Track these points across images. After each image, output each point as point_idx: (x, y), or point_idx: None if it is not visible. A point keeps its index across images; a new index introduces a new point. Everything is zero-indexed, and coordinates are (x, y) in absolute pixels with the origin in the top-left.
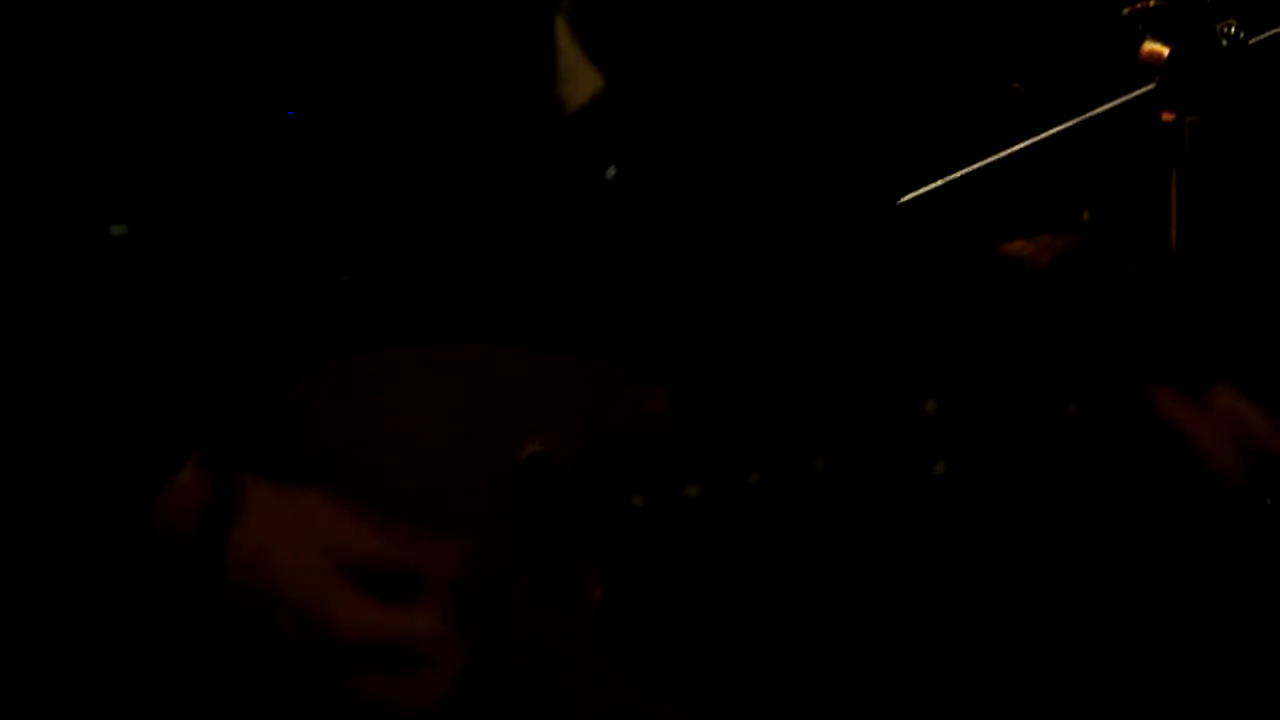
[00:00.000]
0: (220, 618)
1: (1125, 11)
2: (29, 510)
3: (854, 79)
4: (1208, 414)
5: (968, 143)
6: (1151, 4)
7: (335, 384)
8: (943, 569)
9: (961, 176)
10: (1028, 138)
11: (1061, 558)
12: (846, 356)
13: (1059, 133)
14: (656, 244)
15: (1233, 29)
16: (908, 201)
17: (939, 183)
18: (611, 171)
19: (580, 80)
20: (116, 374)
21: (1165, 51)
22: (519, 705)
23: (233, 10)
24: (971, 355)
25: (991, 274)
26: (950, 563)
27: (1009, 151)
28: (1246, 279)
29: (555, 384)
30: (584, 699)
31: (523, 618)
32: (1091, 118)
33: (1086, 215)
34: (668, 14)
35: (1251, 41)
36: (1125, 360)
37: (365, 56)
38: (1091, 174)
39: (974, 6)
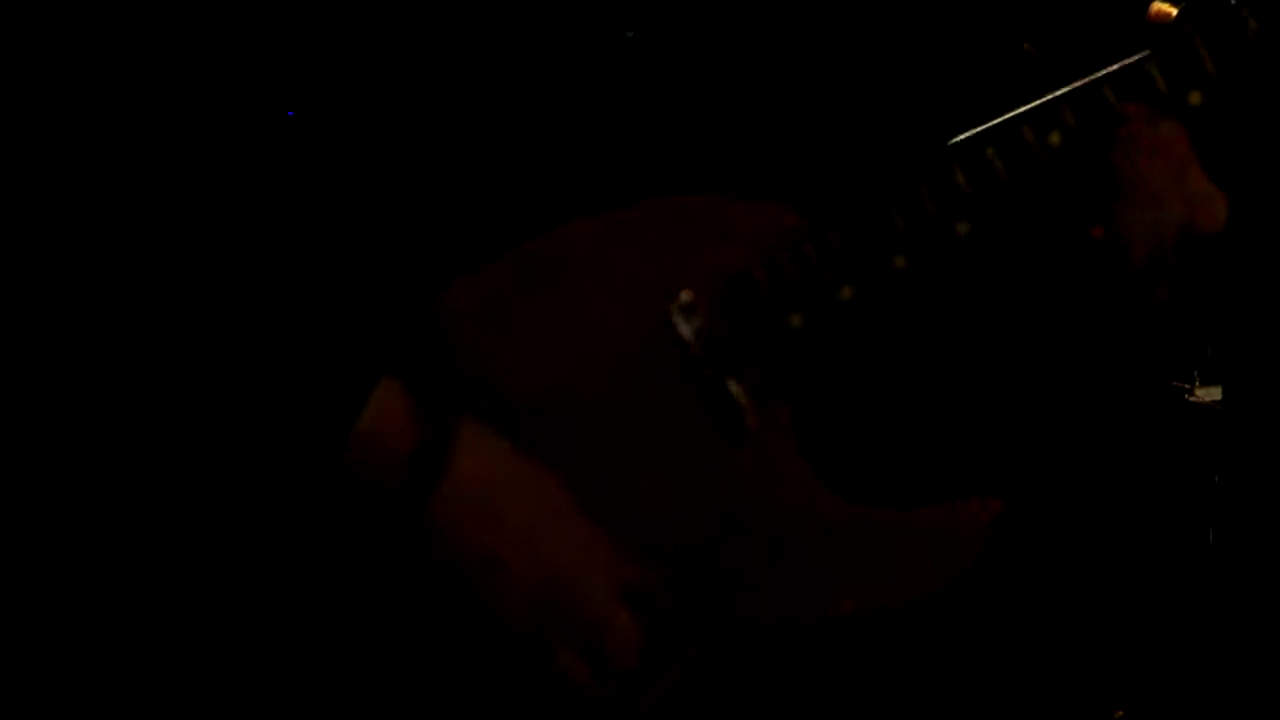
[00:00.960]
0: (406, 573)
1: None
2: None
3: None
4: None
5: (976, 102)
6: None
7: (475, 292)
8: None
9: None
10: (1036, 98)
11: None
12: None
13: (1066, 93)
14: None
15: None
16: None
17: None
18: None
19: None
20: (272, 299)
21: (1173, 11)
22: (744, 550)
23: None
24: None
25: None
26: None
27: (1018, 112)
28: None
29: (688, 227)
30: (806, 525)
31: (726, 466)
32: (1098, 79)
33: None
34: None
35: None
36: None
37: None
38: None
39: None
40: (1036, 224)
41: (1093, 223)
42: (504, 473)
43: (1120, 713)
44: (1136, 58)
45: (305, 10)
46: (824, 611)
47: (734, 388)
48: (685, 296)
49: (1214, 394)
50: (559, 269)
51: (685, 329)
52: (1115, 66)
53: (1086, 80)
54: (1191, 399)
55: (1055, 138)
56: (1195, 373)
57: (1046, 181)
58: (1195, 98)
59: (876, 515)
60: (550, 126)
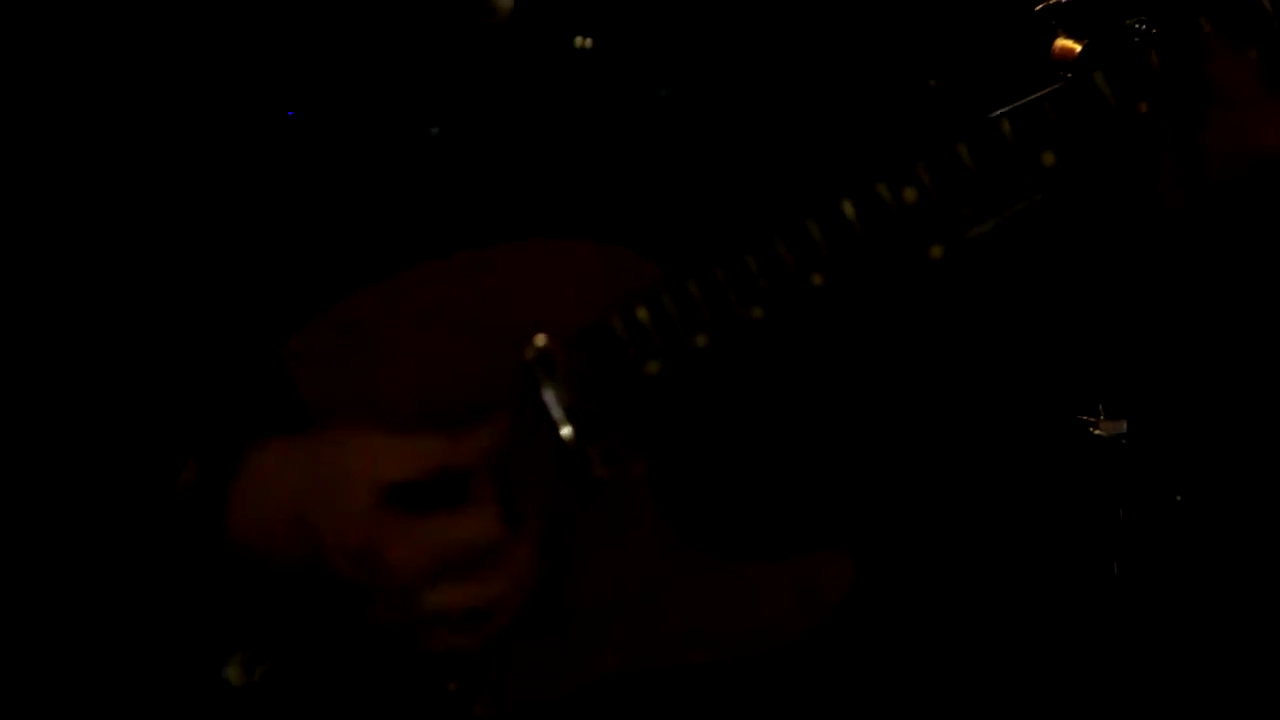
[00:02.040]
0: (242, 594)
1: (1038, 8)
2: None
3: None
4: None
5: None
6: (1063, 0)
7: (326, 332)
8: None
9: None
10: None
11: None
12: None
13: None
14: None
15: (1143, 25)
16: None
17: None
18: (586, 42)
19: None
20: (107, 367)
21: (1077, 48)
22: (592, 598)
23: None
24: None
25: None
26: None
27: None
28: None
29: (543, 271)
30: (657, 572)
31: (577, 514)
32: (1003, 113)
33: None
34: None
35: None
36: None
37: None
38: None
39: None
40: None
41: (935, 242)
42: (290, 464)
43: None
44: (1035, 95)
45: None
46: (676, 661)
47: (585, 436)
48: (539, 341)
49: (1118, 428)
50: (411, 309)
51: (537, 374)
52: (1009, 106)
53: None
54: (1096, 432)
55: (910, 194)
56: (1100, 406)
57: (902, 234)
58: (1097, 132)
59: (729, 566)
60: (410, 168)
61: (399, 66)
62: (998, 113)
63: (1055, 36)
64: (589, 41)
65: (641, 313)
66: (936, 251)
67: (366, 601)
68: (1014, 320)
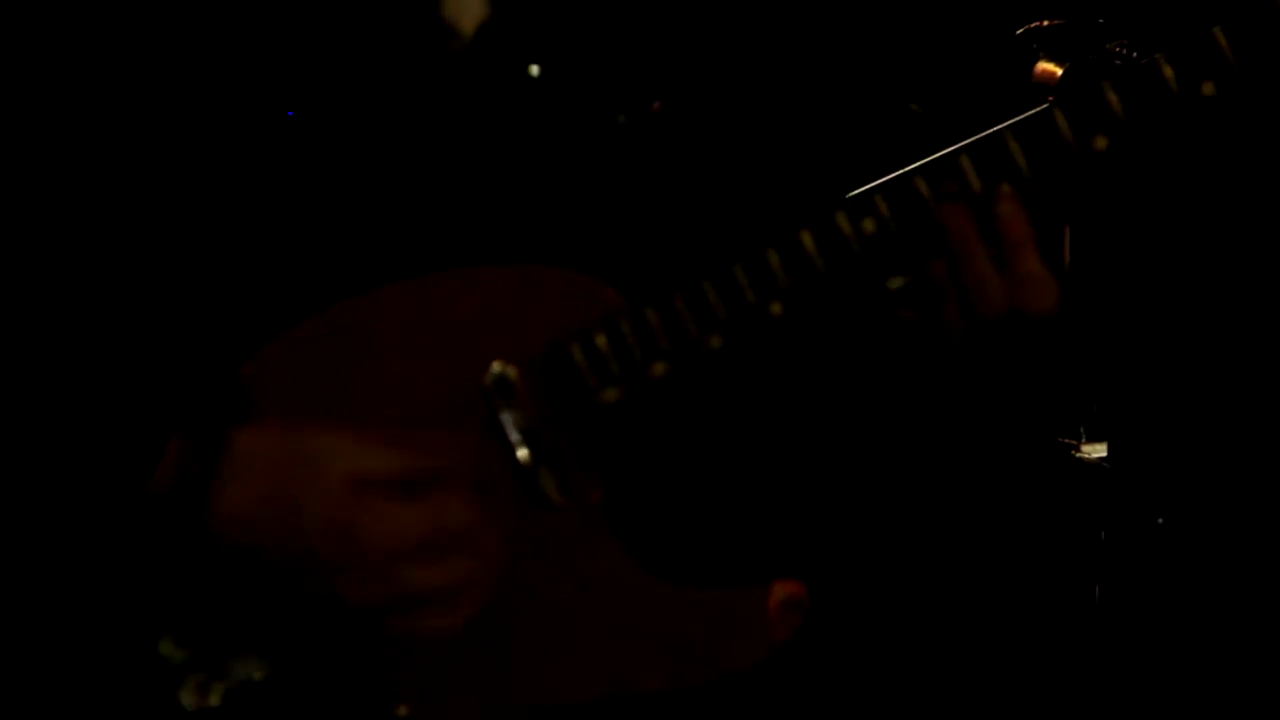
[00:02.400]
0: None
1: (1019, 31)
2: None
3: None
4: None
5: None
6: (1045, 24)
7: (285, 353)
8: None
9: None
10: (923, 157)
11: None
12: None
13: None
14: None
15: (1124, 49)
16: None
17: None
18: (534, 70)
19: (466, 4)
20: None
21: (1059, 71)
22: (546, 625)
23: None
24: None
25: None
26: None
27: (904, 171)
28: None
29: (502, 297)
30: (614, 600)
31: (533, 539)
32: (985, 137)
33: None
34: None
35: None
36: None
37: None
38: None
39: (870, 27)
40: (851, 305)
41: (905, 306)
42: (269, 450)
43: None
44: (996, 128)
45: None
46: (628, 688)
47: (542, 461)
48: (496, 367)
49: (1099, 450)
50: (368, 334)
51: (496, 401)
52: (969, 140)
53: (970, 140)
54: (1077, 455)
55: (869, 225)
56: (1081, 429)
57: (861, 265)
58: (1055, 169)
59: (685, 594)
60: (370, 193)
61: (358, 91)
62: (957, 146)
63: (1036, 60)
64: (537, 69)
65: (600, 340)
66: (895, 283)
67: (343, 583)
68: (989, 344)
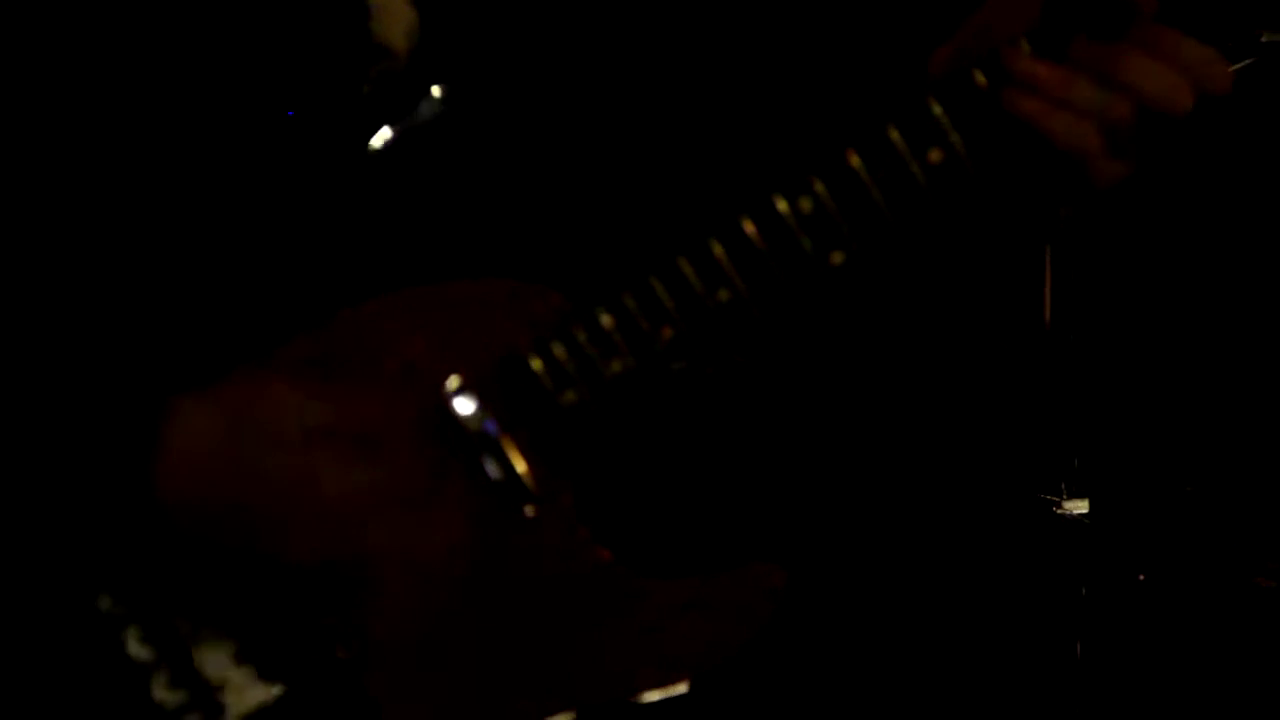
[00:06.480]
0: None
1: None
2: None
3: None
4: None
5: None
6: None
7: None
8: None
9: None
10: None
11: None
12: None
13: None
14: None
15: None
16: None
17: None
18: (436, 91)
19: (393, 16)
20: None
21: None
22: (520, 636)
23: None
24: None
25: None
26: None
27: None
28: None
29: (454, 312)
30: (591, 602)
31: (507, 548)
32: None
33: None
34: None
35: None
36: None
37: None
38: None
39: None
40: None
41: (834, 249)
42: (217, 409)
43: None
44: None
45: None
46: (622, 692)
47: (509, 469)
48: (453, 382)
49: (1081, 506)
50: (328, 357)
51: (458, 413)
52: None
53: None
54: (1059, 511)
55: (806, 204)
56: (1062, 485)
57: (801, 244)
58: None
59: (662, 587)
60: (306, 212)
61: (292, 111)
62: (886, 120)
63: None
64: (439, 90)
65: (554, 344)
66: (837, 258)
67: (289, 538)
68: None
